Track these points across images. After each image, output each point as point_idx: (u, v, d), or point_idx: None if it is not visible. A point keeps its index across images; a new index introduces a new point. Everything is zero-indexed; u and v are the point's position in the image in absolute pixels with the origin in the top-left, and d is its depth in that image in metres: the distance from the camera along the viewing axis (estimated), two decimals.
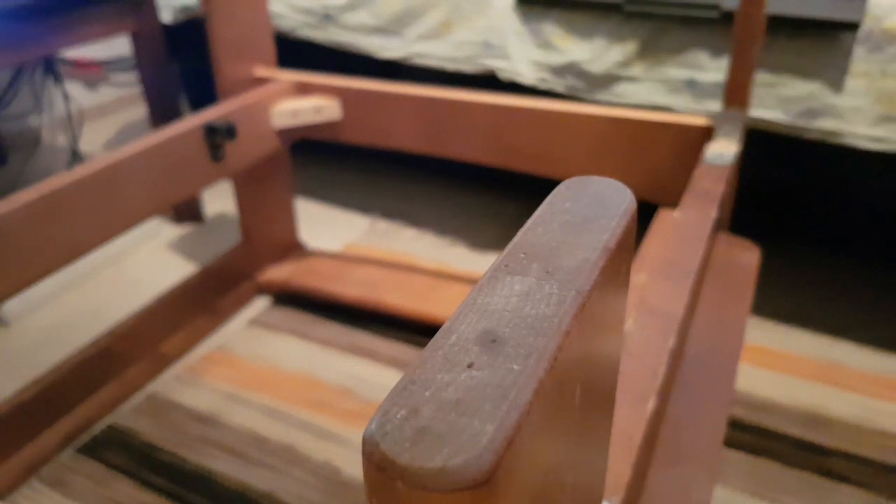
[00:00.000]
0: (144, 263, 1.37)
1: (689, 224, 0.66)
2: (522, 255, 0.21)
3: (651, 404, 0.47)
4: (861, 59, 0.94)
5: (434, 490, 0.13)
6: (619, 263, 0.23)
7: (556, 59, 1.15)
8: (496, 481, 0.14)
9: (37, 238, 0.77)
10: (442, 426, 0.14)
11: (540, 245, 0.21)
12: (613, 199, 0.25)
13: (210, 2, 1.02)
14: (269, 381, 1.04)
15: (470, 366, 0.16)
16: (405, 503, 0.13)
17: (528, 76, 1.19)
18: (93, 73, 2.08)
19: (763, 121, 1.04)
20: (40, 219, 0.77)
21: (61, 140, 1.96)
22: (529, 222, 0.23)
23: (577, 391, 0.20)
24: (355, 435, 0.95)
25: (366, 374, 1.06)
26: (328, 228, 1.46)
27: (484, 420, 0.14)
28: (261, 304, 1.23)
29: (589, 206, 0.24)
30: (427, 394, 0.15)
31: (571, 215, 0.23)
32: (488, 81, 1.23)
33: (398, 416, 0.14)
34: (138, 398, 1.02)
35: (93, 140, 1.95)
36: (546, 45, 1.16)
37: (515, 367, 0.16)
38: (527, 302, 0.19)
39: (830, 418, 0.95)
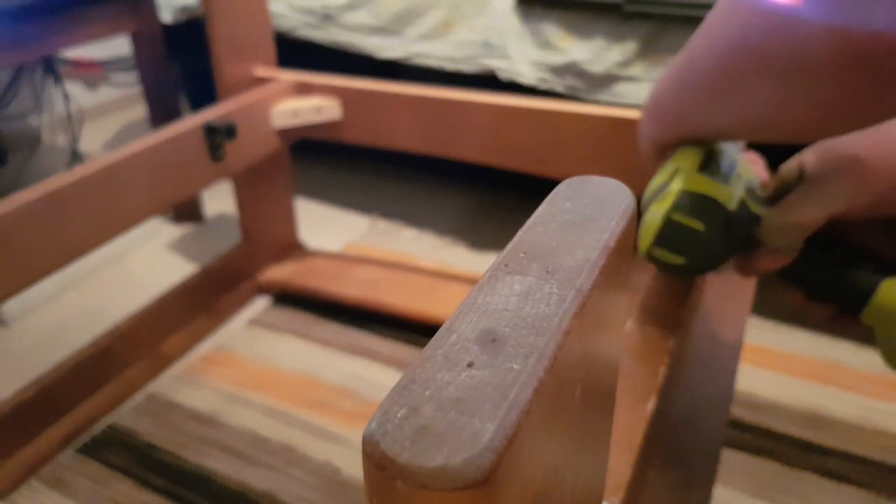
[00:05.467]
0: (144, 263, 1.37)
1: None
2: (522, 255, 0.21)
3: (651, 404, 0.47)
4: None
5: (434, 489, 0.13)
6: (619, 263, 0.23)
7: (556, 59, 1.15)
8: (496, 480, 0.14)
9: (37, 238, 0.77)
10: (442, 425, 0.14)
11: (540, 244, 0.21)
12: (613, 198, 0.25)
13: (210, 2, 1.02)
14: (269, 381, 1.04)
15: (470, 365, 0.16)
16: (405, 502, 0.14)
17: (528, 76, 1.19)
18: (93, 73, 2.08)
19: None
20: (40, 219, 0.77)
21: (61, 140, 1.96)
22: (529, 222, 0.23)
23: (577, 391, 0.20)
24: (355, 435, 0.95)
25: (366, 374, 1.05)
26: (328, 228, 1.46)
27: (484, 419, 0.14)
28: (261, 304, 1.23)
29: (589, 206, 0.24)
30: (427, 393, 0.15)
31: (571, 215, 0.23)
32: (488, 81, 1.23)
33: (398, 415, 0.14)
34: (138, 398, 1.02)
35: (93, 140, 1.95)
36: (546, 44, 1.16)
37: (515, 366, 0.16)
38: (527, 301, 0.19)
39: (830, 418, 0.95)
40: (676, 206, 0.47)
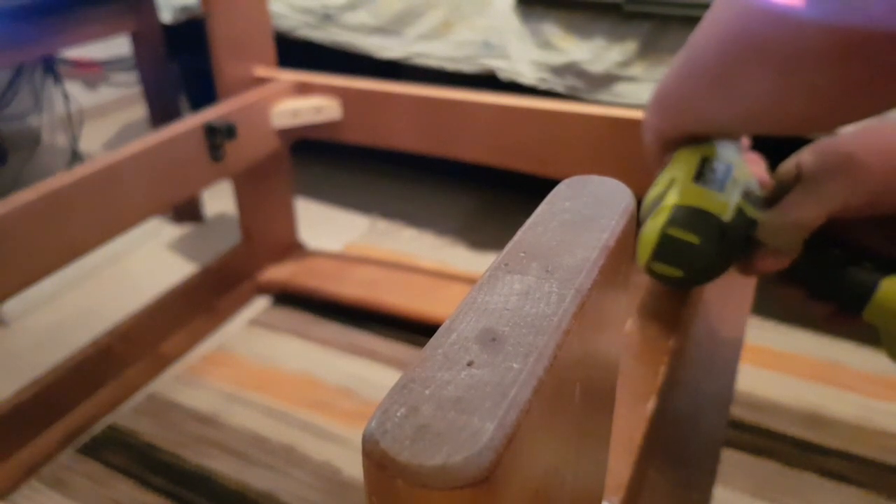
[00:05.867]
0: (144, 263, 1.37)
1: None
2: (522, 254, 0.21)
3: (651, 404, 0.47)
4: None
5: (434, 488, 0.13)
6: (618, 262, 0.23)
7: (556, 58, 1.15)
8: (496, 479, 0.14)
9: (37, 238, 0.77)
10: (442, 424, 0.14)
11: (539, 244, 0.21)
12: (613, 198, 0.25)
13: (210, 2, 1.02)
14: (269, 381, 1.04)
15: (470, 364, 0.16)
16: (405, 501, 0.14)
17: (528, 76, 1.19)
18: (93, 72, 2.08)
19: None
20: (40, 219, 0.77)
21: (61, 140, 1.96)
22: (529, 221, 0.23)
23: (576, 390, 0.20)
24: (355, 435, 0.95)
25: (366, 374, 1.05)
26: (328, 228, 1.46)
27: (484, 418, 0.14)
28: (261, 304, 1.23)
29: (589, 206, 0.24)
30: (427, 392, 0.15)
31: (571, 214, 0.23)
32: (488, 81, 1.23)
33: (398, 414, 0.14)
34: (138, 398, 1.02)
35: (93, 140, 1.95)
36: (546, 44, 1.16)
37: (515, 365, 0.16)
38: (526, 300, 0.19)
39: (830, 418, 0.95)
40: (671, 221, 0.48)
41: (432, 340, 0.17)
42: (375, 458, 0.14)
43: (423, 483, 0.13)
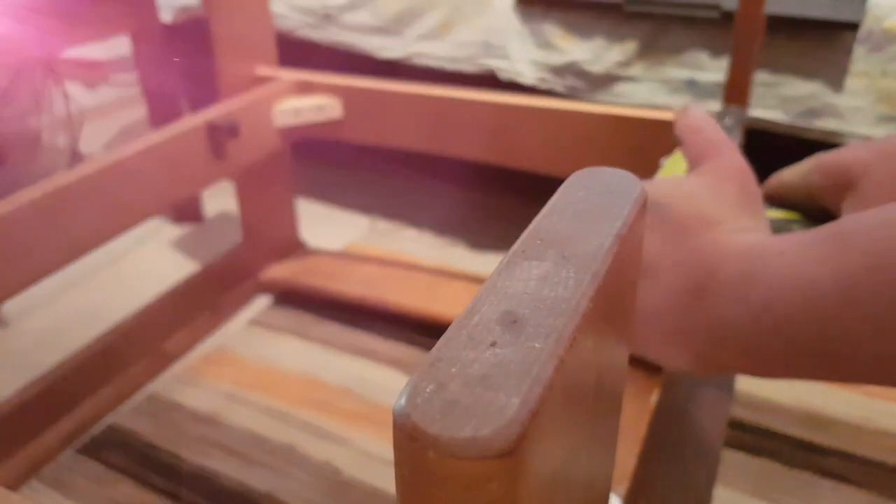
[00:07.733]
0: (144, 263, 1.37)
1: None
2: (539, 242, 0.22)
3: (654, 397, 0.47)
4: (861, 59, 0.94)
5: (464, 458, 0.14)
6: (631, 250, 0.24)
7: (556, 58, 1.16)
8: (522, 451, 0.14)
9: (37, 238, 0.77)
10: (469, 399, 0.15)
11: (555, 232, 0.22)
12: (625, 188, 0.25)
13: (211, 2, 1.02)
14: (270, 381, 1.04)
15: (493, 344, 0.17)
16: (436, 470, 0.14)
17: (528, 76, 1.19)
18: (93, 73, 2.09)
19: (763, 121, 1.04)
20: (40, 219, 0.77)
21: (61, 140, 1.96)
22: (544, 210, 0.24)
23: (592, 373, 0.20)
24: (356, 435, 0.95)
25: (367, 374, 1.06)
26: (328, 228, 1.47)
27: (509, 394, 0.15)
28: (261, 303, 1.23)
29: (601, 195, 0.25)
30: (453, 370, 0.16)
31: (585, 204, 0.24)
32: (488, 81, 1.24)
33: (427, 390, 0.15)
34: (138, 398, 1.02)
35: (93, 140, 1.95)
36: (546, 44, 1.16)
37: (537, 345, 0.17)
38: (545, 285, 0.19)
39: (830, 418, 0.96)
40: None
41: (456, 322, 0.18)
42: (407, 430, 0.14)
43: (453, 453, 0.14)
